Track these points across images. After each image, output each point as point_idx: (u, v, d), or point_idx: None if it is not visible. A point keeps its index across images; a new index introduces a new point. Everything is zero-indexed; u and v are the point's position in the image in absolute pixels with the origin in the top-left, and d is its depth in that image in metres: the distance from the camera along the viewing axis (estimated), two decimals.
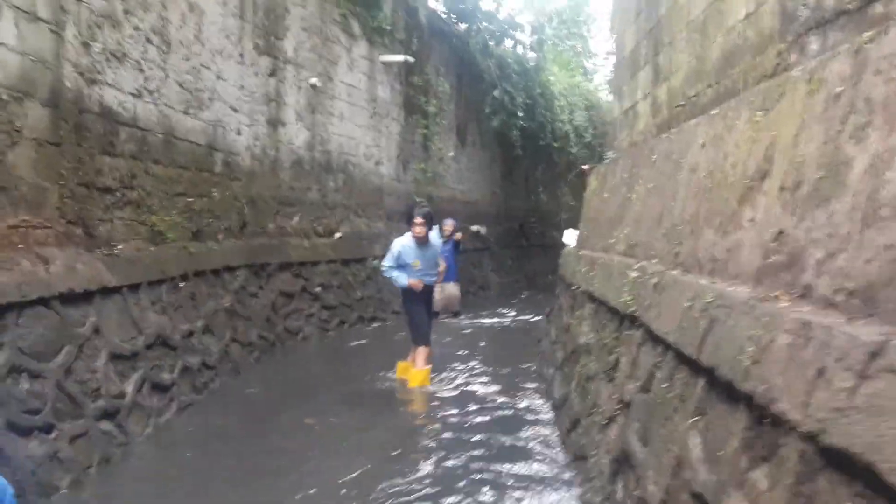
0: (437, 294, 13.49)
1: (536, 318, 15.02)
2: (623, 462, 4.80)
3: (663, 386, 4.37)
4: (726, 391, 3.34)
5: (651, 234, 6.11)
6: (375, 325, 13.61)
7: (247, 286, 10.40)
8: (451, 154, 18.51)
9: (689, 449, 3.62)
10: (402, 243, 9.25)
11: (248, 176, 10.84)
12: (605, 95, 33.59)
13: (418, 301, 9.28)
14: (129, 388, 6.83)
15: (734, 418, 3.21)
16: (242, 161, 10.73)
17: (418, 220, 9.16)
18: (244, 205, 10.64)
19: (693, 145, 5.52)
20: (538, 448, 6.97)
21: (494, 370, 10.37)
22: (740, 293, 3.59)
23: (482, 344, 12.17)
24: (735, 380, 3.22)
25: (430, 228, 9.23)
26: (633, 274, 5.84)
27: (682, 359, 4.16)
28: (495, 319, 15.09)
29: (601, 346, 6.67)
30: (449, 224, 14.06)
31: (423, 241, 9.21)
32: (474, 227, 18.68)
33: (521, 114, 20.57)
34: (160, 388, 7.42)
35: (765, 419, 2.90)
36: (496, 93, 19.46)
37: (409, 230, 9.27)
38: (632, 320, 5.70)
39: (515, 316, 15.78)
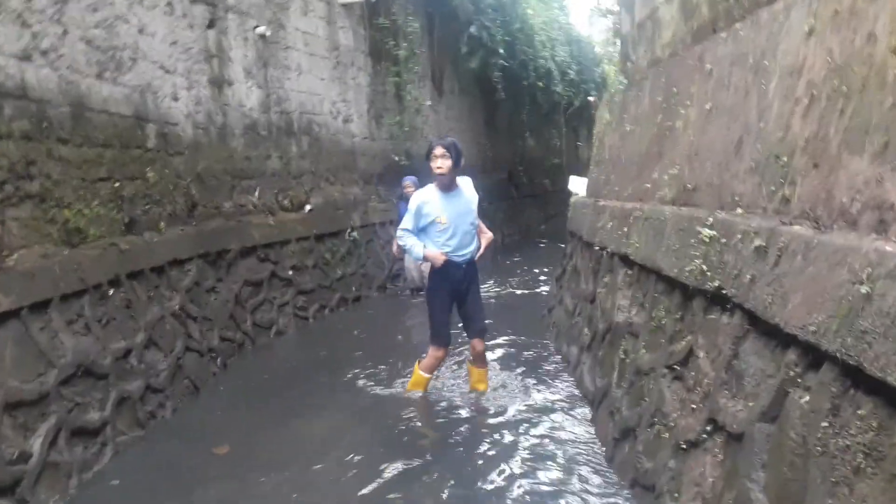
0: (409, 263, 11.86)
1: (544, 281, 13.31)
2: None
3: (822, 424, 2.66)
4: None
5: (724, 172, 4.38)
6: (362, 306, 11.86)
7: (201, 281, 8.65)
8: (429, 103, 16.63)
9: None
10: (422, 195, 6.82)
11: (192, 148, 9.05)
12: (583, 30, 31.54)
13: (444, 286, 6.83)
14: (36, 444, 5.10)
15: None
16: (183, 132, 8.93)
17: (438, 150, 6.69)
18: (190, 183, 8.85)
19: (788, 37, 3.76)
20: (582, 459, 5.31)
21: (509, 352, 8.70)
22: None
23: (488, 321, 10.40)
24: None
25: (457, 165, 6.71)
26: (708, 232, 4.12)
27: (856, 377, 2.45)
28: (495, 286, 13.31)
29: (654, 329, 4.97)
30: (408, 182, 11.78)
31: (448, 186, 6.73)
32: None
33: (501, 51, 18.62)
34: (85, 433, 5.71)
35: None
36: (473, 29, 17.50)
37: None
38: (713, 299, 3.98)
39: (519, 279, 14.06)
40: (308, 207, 11.30)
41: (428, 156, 6.73)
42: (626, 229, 6.11)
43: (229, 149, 9.97)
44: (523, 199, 23.76)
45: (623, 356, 5.59)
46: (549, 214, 25.39)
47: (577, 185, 9.77)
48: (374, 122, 14.22)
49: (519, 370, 7.88)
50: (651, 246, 5.22)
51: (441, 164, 6.60)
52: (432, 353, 7.03)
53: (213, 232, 9.10)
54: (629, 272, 5.95)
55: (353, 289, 11.95)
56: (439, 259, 6.68)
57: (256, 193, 10.42)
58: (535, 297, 11.92)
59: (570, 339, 7.96)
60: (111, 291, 6.65)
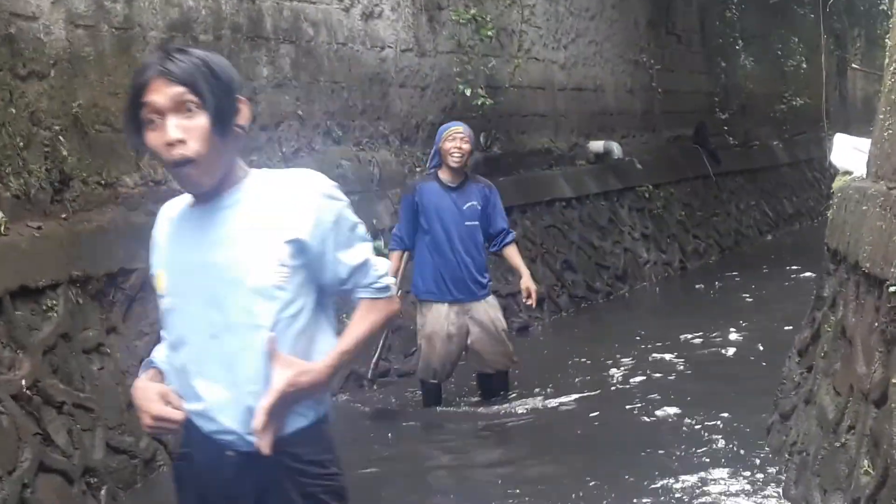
0: (469, 323, 6.00)
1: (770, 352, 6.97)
2: None
3: None
4: None
5: None
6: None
7: (74, 331, 4.73)
8: None
9: None
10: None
11: (68, 66, 5.05)
12: None
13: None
14: None
15: None
16: (47, 33, 4.83)
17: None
18: (58, 137, 4.84)
19: None
20: None
21: None
22: None
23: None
24: None
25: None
26: None
27: None
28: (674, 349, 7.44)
29: None
30: (462, 135, 5.85)
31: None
32: (595, 145, 11.09)
33: None
34: None
35: None
36: None
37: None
38: None
39: (720, 337, 7.81)
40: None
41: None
42: None
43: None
44: (727, 180, 13.61)
45: None
46: (782, 212, 15.14)
47: (849, 155, 4.81)
48: (426, 20, 8.36)
49: None
50: None
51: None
52: None
53: (101, 233, 4.79)
54: None
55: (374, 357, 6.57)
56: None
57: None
58: (746, 385, 6.36)
59: (828, 479, 3.66)
60: None
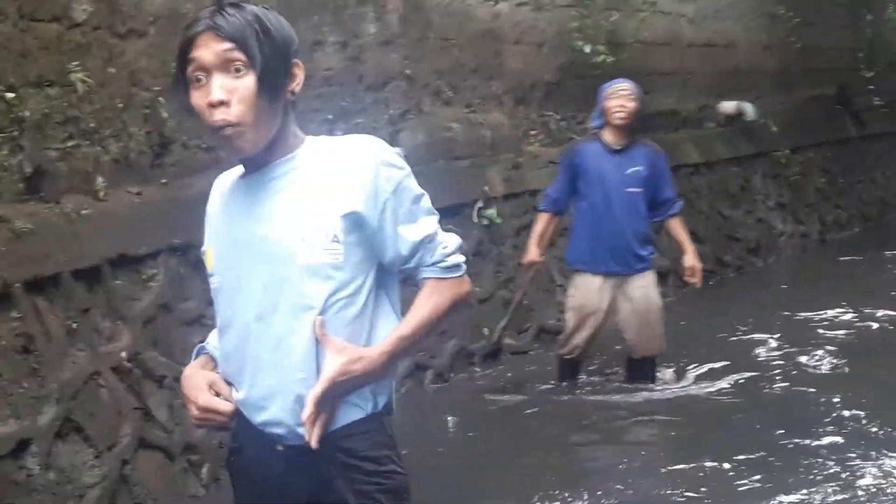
0: (620, 299, 5.67)
1: None
2: None
3: None
4: None
5: None
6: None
7: (174, 301, 4.73)
8: None
9: None
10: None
11: (168, 23, 4.80)
12: None
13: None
14: None
15: None
16: None
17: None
18: (158, 96, 4.72)
19: None
20: None
21: None
22: None
23: None
24: None
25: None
26: None
27: None
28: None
29: None
30: (627, 92, 5.51)
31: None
32: (726, 106, 10.56)
33: None
34: None
35: None
36: None
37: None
38: None
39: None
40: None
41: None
42: None
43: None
44: (872, 144, 12.90)
45: None
46: None
47: None
48: None
49: None
50: None
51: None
52: None
53: (202, 200, 4.63)
54: None
55: (486, 335, 6.56)
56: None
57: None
58: None
59: None
60: None
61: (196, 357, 2.15)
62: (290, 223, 1.93)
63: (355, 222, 1.91)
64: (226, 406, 2.02)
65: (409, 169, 2.00)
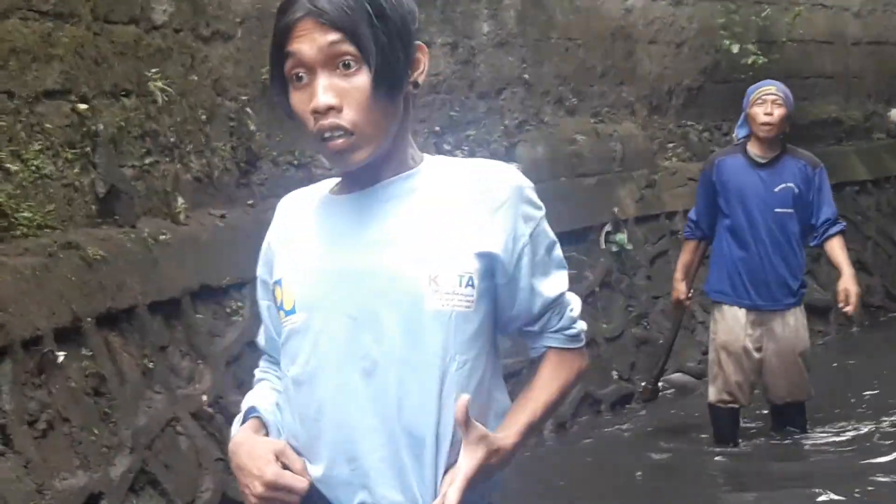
0: (765, 337, 5.38)
1: None
2: None
3: None
4: None
5: None
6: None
7: None
8: None
9: None
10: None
11: (258, 25, 5.08)
12: None
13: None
14: None
15: None
16: None
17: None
18: (245, 106, 5.05)
19: None
20: None
21: None
22: None
23: None
24: None
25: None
26: None
27: None
28: None
29: None
30: (774, 97, 5.19)
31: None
32: None
33: None
34: None
35: None
36: None
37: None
38: None
39: None
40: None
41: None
42: None
43: None
44: None
45: None
46: None
47: None
48: None
49: None
50: None
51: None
52: None
53: None
54: None
55: (615, 379, 6.35)
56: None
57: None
58: None
59: None
60: (59, 356, 3.95)
61: (244, 422, 1.84)
62: (416, 257, 1.68)
63: (489, 268, 1.70)
64: (301, 483, 1.71)
65: (545, 209, 1.80)
